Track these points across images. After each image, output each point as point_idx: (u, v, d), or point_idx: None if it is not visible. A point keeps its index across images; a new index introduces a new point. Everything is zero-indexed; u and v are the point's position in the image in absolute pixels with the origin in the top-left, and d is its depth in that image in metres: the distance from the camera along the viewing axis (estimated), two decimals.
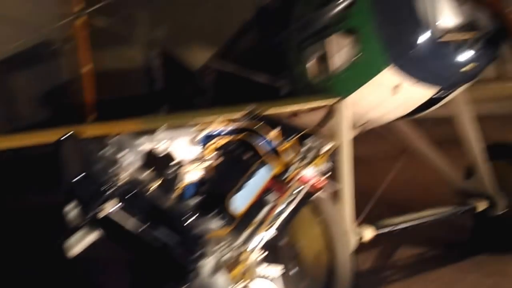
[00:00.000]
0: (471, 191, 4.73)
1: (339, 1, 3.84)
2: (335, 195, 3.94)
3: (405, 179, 5.57)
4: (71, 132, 2.45)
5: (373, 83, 3.89)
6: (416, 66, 3.74)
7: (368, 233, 4.03)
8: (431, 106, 4.16)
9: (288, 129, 2.49)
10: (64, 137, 2.41)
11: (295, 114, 4.16)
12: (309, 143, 2.42)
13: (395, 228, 4.23)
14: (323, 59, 4.12)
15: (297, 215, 2.38)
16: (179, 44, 8.80)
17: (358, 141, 4.79)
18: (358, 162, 4.39)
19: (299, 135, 2.43)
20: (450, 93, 4.03)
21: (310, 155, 2.40)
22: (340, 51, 3.97)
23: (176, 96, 7.16)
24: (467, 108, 4.64)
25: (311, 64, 4.22)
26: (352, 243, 3.91)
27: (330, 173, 2.43)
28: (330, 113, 4.14)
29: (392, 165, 4.94)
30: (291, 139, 2.42)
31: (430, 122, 4.81)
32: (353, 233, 3.94)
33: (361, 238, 4.01)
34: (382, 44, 3.74)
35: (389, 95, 3.91)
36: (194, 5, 8.39)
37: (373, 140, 5.52)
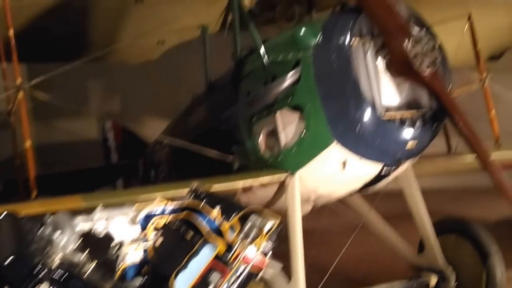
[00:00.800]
0: (423, 266, 4.76)
1: (285, 78, 3.94)
2: (288, 272, 3.91)
3: (360, 254, 5.60)
4: (5, 212, 2.38)
5: (320, 158, 3.94)
6: (360, 143, 3.81)
7: None
8: (379, 181, 4.21)
9: (230, 207, 2.48)
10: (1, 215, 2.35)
11: (248, 189, 4.16)
12: (251, 221, 2.41)
13: None
14: (273, 134, 4.17)
15: None
16: (132, 117, 8.84)
17: (313, 215, 4.83)
18: (313, 236, 4.40)
19: (241, 213, 2.42)
20: (395, 168, 4.09)
21: (252, 234, 2.38)
22: (288, 127, 4.03)
23: (130, 169, 7.13)
24: (415, 183, 4.71)
25: (261, 139, 4.26)
26: None
27: (271, 252, 2.41)
28: (281, 187, 4.16)
29: (347, 240, 4.96)
30: (232, 218, 2.41)
31: (384, 196, 4.89)
32: None
33: None
34: (326, 121, 3.81)
35: (337, 171, 3.95)
36: (146, 78, 8.51)
37: (328, 215, 5.57)
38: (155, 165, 6.21)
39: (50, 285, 2.07)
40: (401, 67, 3.76)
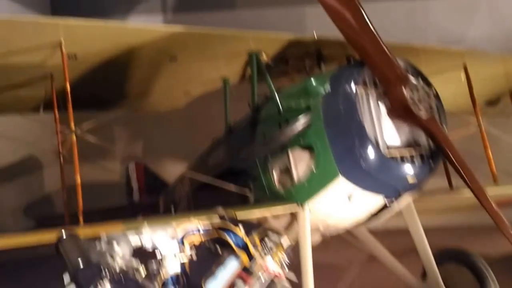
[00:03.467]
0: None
1: (297, 122, 4.45)
2: None
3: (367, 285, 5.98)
4: (68, 233, 2.93)
5: (328, 191, 4.41)
6: (364, 178, 4.26)
7: None
8: (382, 212, 4.68)
9: (251, 226, 3.00)
10: (63, 234, 2.89)
11: (263, 220, 4.64)
12: (269, 238, 2.92)
13: None
14: (286, 171, 4.67)
15: None
16: (155, 159, 9.42)
17: (323, 249, 5.25)
18: (323, 268, 4.81)
19: (261, 231, 2.94)
20: (397, 201, 4.55)
21: (271, 248, 2.89)
22: (300, 164, 4.53)
23: (151, 207, 7.63)
24: (416, 216, 5.18)
25: (275, 175, 4.77)
26: None
27: (288, 263, 2.90)
28: (293, 218, 4.64)
29: (355, 272, 5.37)
30: (253, 235, 2.92)
31: (389, 234, 5.35)
32: None
33: None
34: (334, 159, 4.29)
35: (344, 202, 4.42)
36: (167, 125, 9.12)
37: (336, 249, 5.98)
38: (175, 202, 6.71)
39: (111, 284, 2.59)
40: (400, 112, 4.20)
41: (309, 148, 4.49)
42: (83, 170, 4.72)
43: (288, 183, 4.65)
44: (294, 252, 4.30)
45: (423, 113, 4.17)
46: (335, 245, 5.75)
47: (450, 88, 6.49)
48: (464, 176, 4.15)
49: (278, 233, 2.96)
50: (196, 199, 5.99)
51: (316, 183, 4.45)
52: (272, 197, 4.74)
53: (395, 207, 4.69)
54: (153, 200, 7.69)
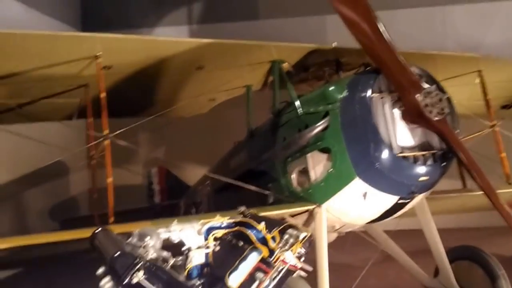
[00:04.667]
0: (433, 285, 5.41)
1: (315, 126, 4.69)
2: None
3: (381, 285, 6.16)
4: (103, 226, 3.21)
5: (344, 191, 4.63)
6: (379, 178, 4.46)
7: None
8: (396, 212, 4.87)
9: (272, 222, 3.24)
10: (98, 229, 3.17)
11: (282, 219, 4.86)
12: (288, 233, 3.15)
13: None
14: (304, 172, 4.91)
15: None
16: (177, 163, 9.71)
17: (338, 247, 5.46)
18: (337, 267, 5.00)
19: (281, 227, 3.17)
20: (410, 201, 4.74)
21: (290, 242, 3.12)
22: (318, 166, 4.77)
23: (172, 209, 7.91)
24: (430, 215, 5.40)
25: (294, 176, 5.01)
26: None
27: (304, 256, 3.13)
28: (310, 217, 4.86)
29: (370, 270, 5.56)
30: (274, 230, 3.16)
31: (404, 234, 5.55)
32: None
33: None
34: (350, 160, 4.51)
35: (359, 201, 4.64)
36: (190, 130, 9.39)
37: (351, 247, 6.19)
38: (196, 205, 6.98)
39: (144, 273, 2.85)
40: (413, 116, 4.40)
41: (326, 150, 4.71)
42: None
43: (306, 183, 4.88)
44: (311, 249, 4.58)
45: (435, 117, 4.35)
46: (350, 244, 5.96)
47: (465, 92, 6.69)
48: (475, 176, 4.32)
49: (298, 229, 3.17)
50: (216, 201, 6.26)
51: (333, 183, 4.67)
52: (290, 197, 4.98)
53: (409, 206, 4.88)
54: (174, 202, 7.96)
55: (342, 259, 5.47)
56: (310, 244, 3.15)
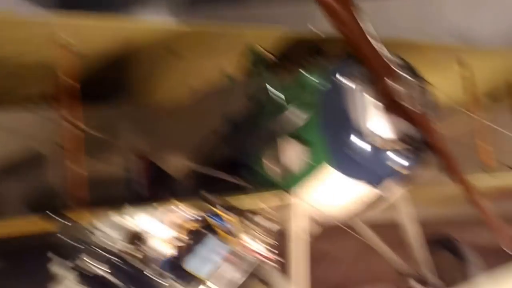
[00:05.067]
0: (411, 273, 5.44)
1: (292, 114, 4.64)
2: None
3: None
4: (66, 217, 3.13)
5: (320, 181, 4.57)
6: (354, 168, 4.41)
7: None
8: (375, 202, 4.82)
9: (238, 211, 3.16)
10: (62, 220, 3.08)
11: (257, 210, 4.78)
12: (254, 221, 3.07)
13: None
14: (279, 161, 4.83)
15: (244, 278, 2.98)
16: (158, 152, 9.61)
17: (319, 238, 5.40)
18: (318, 258, 4.95)
19: (245, 214, 3.10)
20: (387, 191, 4.69)
21: (255, 230, 3.05)
22: (292, 154, 4.70)
23: (154, 198, 7.80)
24: (409, 209, 5.34)
25: (269, 165, 4.94)
26: None
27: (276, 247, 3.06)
28: (285, 206, 4.77)
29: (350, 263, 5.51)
30: (238, 217, 3.08)
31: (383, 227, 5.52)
32: None
33: None
34: (324, 149, 4.45)
35: (333, 191, 4.60)
36: (171, 119, 9.29)
37: (334, 239, 6.14)
38: (175, 194, 6.88)
39: (107, 265, 2.77)
40: (389, 105, 4.30)
41: (301, 139, 4.64)
42: (87, 164, 4.91)
43: (281, 172, 4.82)
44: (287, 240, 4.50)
45: (411, 106, 4.27)
46: (332, 235, 5.90)
47: (448, 82, 6.64)
48: (448, 167, 4.25)
49: (265, 217, 3.10)
50: (194, 190, 6.16)
51: (307, 172, 4.61)
52: (266, 186, 4.90)
53: (387, 197, 4.81)
54: (155, 193, 7.86)
55: (322, 248, 5.39)
56: (280, 234, 3.09)
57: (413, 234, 5.30)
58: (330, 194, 4.66)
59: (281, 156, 4.80)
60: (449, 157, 4.30)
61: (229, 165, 5.32)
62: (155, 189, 8.37)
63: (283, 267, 4.43)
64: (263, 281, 4.09)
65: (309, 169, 4.59)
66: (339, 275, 5.50)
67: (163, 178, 8.11)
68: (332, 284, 5.26)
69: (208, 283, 2.95)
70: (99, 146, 6.97)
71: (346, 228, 5.63)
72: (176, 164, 7.62)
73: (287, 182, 4.76)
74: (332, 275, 5.51)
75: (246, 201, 4.52)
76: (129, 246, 3.00)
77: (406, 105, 4.26)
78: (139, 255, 3.03)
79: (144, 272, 2.96)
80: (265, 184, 4.93)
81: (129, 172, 8.75)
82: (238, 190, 4.99)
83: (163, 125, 9.63)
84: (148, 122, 9.55)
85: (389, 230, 5.65)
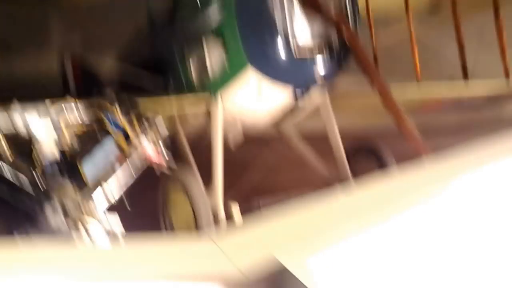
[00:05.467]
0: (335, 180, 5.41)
1: (211, 13, 4.47)
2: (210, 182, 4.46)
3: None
4: None
5: (238, 82, 4.48)
6: (272, 69, 4.35)
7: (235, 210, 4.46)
8: (296, 107, 4.79)
9: (129, 107, 3.03)
10: None
11: (181, 115, 4.68)
12: (147, 122, 2.96)
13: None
14: (201, 61, 4.70)
15: (133, 179, 2.91)
16: (88, 50, 9.25)
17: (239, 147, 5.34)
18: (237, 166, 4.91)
19: (140, 116, 2.97)
20: (306, 94, 4.64)
21: (148, 132, 2.94)
22: (213, 55, 4.57)
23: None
24: (332, 116, 5.22)
25: (191, 66, 4.80)
26: (219, 217, 4.34)
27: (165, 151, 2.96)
28: (207, 109, 4.68)
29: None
30: (133, 118, 2.96)
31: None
32: (220, 209, 4.37)
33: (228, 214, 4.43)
34: (243, 49, 4.34)
35: (254, 94, 4.51)
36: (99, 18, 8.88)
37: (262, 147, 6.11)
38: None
39: None
40: (311, 8, 4.24)
41: (222, 39, 4.49)
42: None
43: (203, 74, 4.70)
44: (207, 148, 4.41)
45: (332, 10, 4.21)
46: (259, 144, 5.87)
47: None
48: (368, 74, 4.23)
49: (158, 119, 3.00)
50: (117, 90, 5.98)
51: (227, 73, 4.51)
52: (188, 88, 4.79)
53: (310, 104, 4.75)
54: (83, 91, 7.62)
55: (247, 157, 5.37)
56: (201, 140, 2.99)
57: (336, 141, 5.30)
58: (253, 99, 4.58)
59: (203, 57, 4.66)
60: (367, 63, 4.27)
61: (152, 64, 5.12)
62: (83, 87, 8.13)
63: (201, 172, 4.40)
64: (182, 187, 4.06)
65: (231, 72, 4.49)
66: (265, 182, 5.49)
67: (91, 77, 7.86)
68: (258, 191, 5.25)
69: (101, 184, 2.86)
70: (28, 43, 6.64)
71: (270, 136, 5.59)
72: (103, 63, 7.37)
73: (208, 84, 4.65)
74: (258, 182, 5.49)
75: (166, 105, 4.42)
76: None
77: (327, 9, 4.20)
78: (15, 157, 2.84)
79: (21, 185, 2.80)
80: (188, 86, 4.81)
81: (58, 70, 8.43)
82: (160, 91, 4.86)
83: (91, 24, 9.23)
84: (75, 22, 9.14)
85: (317, 140, 5.65)
